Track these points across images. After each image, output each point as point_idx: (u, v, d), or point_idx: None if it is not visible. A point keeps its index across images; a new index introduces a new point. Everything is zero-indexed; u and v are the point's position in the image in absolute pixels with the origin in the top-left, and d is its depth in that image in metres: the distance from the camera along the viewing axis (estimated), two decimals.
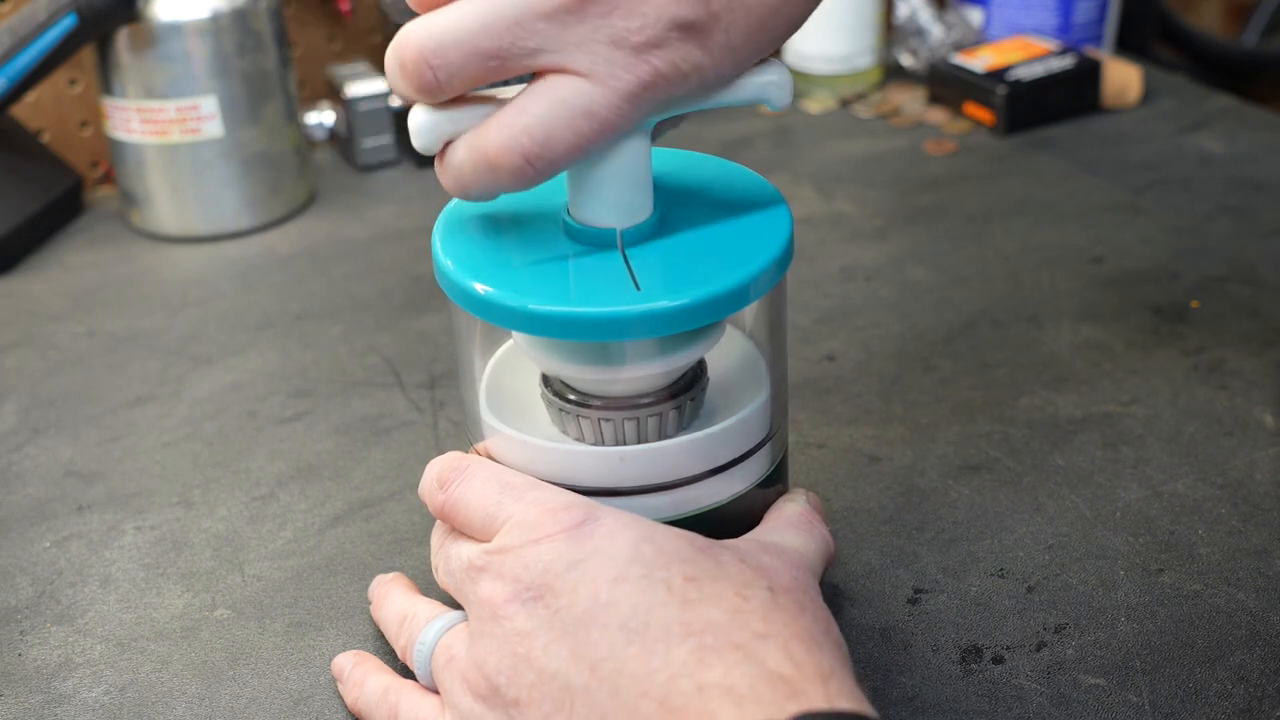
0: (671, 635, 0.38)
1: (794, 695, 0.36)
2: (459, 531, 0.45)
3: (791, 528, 0.46)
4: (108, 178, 0.91)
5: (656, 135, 0.44)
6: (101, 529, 0.57)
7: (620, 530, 0.41)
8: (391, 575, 0.50)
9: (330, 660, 0.49)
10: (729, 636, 0.38)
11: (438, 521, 0.47)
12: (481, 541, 0.43)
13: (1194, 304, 0.69)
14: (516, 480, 0.44)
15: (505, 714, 0.40)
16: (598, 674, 0.38)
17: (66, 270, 0.81)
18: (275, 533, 0.56)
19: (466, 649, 0.42)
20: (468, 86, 0.40)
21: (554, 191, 0.46)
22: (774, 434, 0.48)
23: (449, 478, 0.45)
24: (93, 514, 0.58)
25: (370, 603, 0.50)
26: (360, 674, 0.46)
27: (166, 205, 0.83)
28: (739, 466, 0.47)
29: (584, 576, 0.40)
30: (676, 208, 0.45)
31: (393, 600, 0.48)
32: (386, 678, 0.46)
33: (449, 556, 0.44)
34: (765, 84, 0.43)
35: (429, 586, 0.48)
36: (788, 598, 0.40)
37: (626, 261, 0.43)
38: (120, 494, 0.59)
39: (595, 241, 0.44)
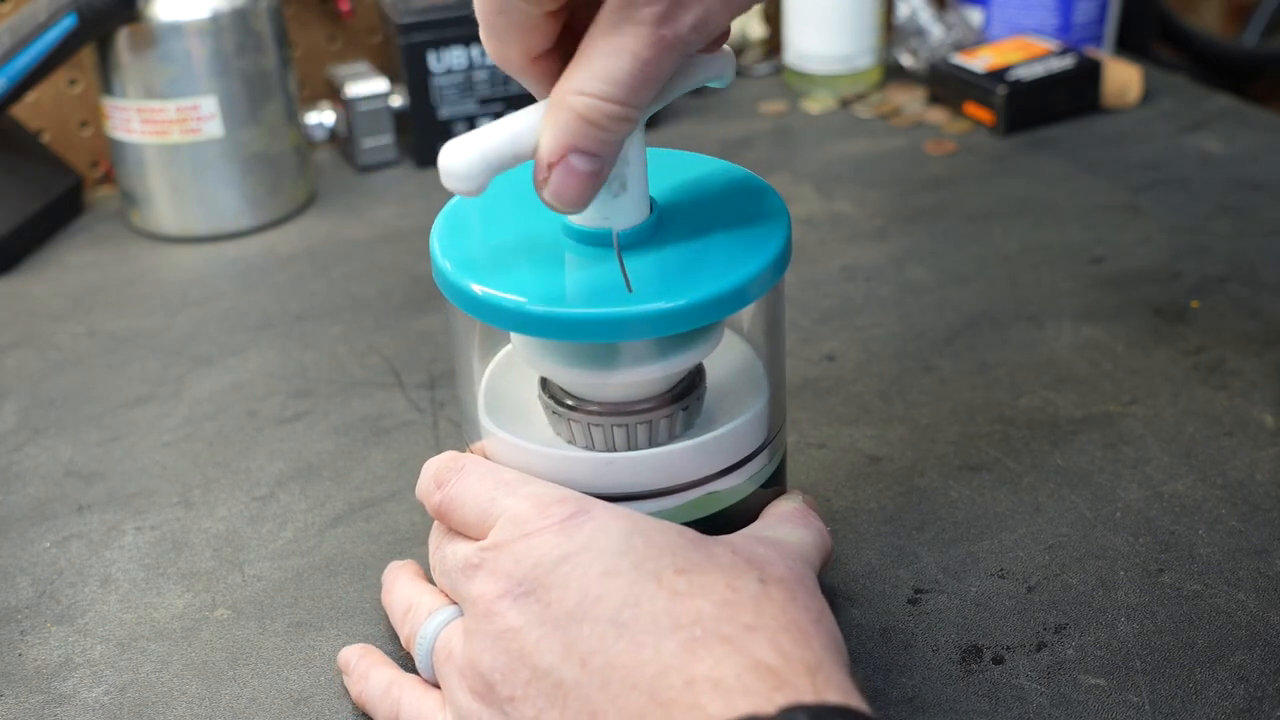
0: (661, 628, 0.38)
1: (781, 687, 0.36)
2: (455, 531, 0.45)
3: (787, 522, 0.46)
4: (108, 178, 0.91)
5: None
6: (101, 529, 0.57)
7: (610, 523, 0.41)
8: (404, 562, 0.50)
9: (330, 660, 0.49)
10: (718, 629, 0.38)
11: (435, 522, 0.47)
12: (477, 539, 0.43)
13: (1194, 304, 0.69)
14: (510, 476, 0.44)
15: (501, 711, 0.40)
16: (588, 668, 0.38)
17: (66, 270, 0.81)
18: (275, 533, 0.56)
19: (463, 646, 0.42)
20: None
21: None
22: (772, 437, 0.48)
23: (445, 477, 0.45)
24: (93, 514, 0.58)
25: (382, 587, 0.50)
26: (365, 667, 0.47)
27: (166, 205, 0.83)
28: (737, 470, 0.46)
29: (574, 570, 0.40)
30: (674, 209, 0.45)
31: (400, 587, 0.48)
32: (390, 672, 0.46)
33: (444, 556, 0.44)
34: (714, 62, 0.43)
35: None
36: (778, 589, 0.40)
37: (621, 263, 0.43)
38: (120, 494, 0.59)
39: (593, 243, 0.44)
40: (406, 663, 0.47)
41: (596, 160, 0.40)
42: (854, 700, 0.37)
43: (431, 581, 0.48)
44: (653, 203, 0.45)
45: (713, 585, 0.39)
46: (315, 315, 0.73)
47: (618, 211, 0.43)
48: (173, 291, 0.77)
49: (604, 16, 0.38)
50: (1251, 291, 0.69)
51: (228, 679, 0.48)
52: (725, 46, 0.44)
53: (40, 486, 0.60)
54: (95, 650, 0.50)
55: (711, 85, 0.44)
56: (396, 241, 0.81)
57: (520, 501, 0.43)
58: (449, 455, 0.46)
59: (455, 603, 0.45)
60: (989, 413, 0.61)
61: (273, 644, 0.50)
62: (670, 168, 0.48)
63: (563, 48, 0.41)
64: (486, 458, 0.47)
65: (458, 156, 0.40)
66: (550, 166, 0.40)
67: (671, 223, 0.45)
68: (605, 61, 0.38)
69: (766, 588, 0.40)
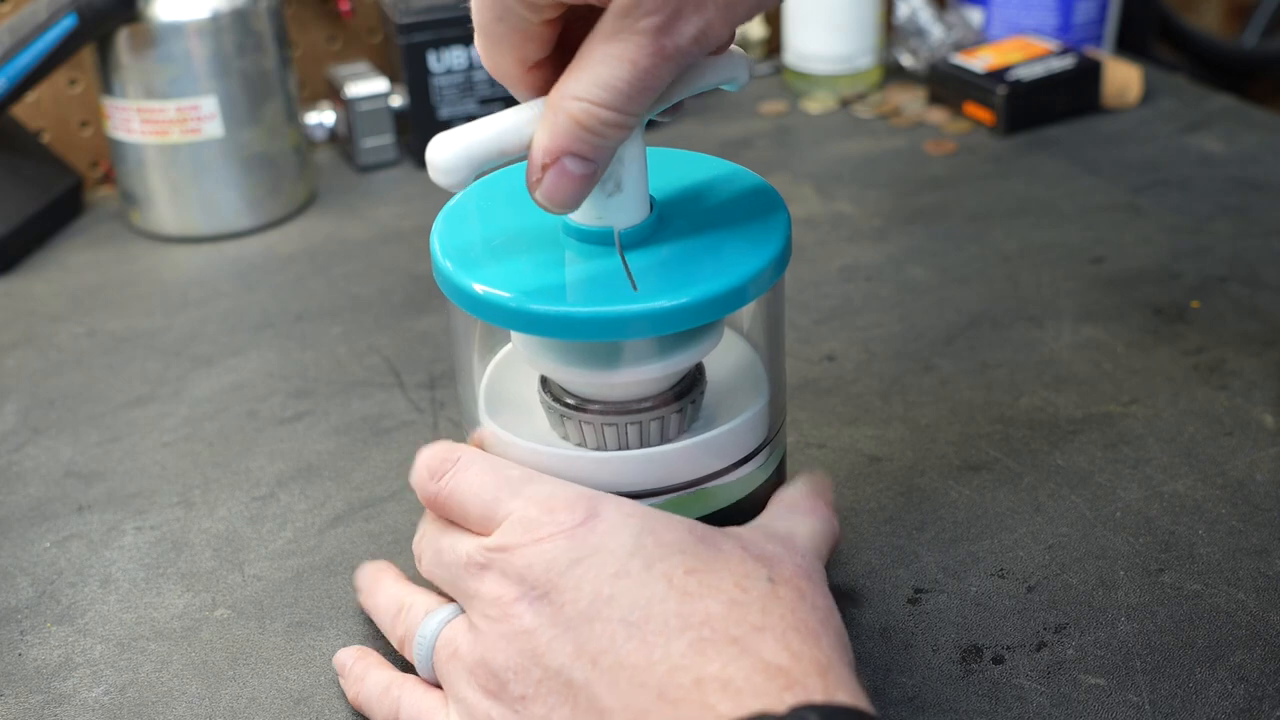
0: (670, 629, 0.38)
1: (791, 686, 0.36)
2: (452, 523, 0.45)
3: (795, 512, 0.46)
4: (108, 178, 0.91)
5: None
6: (101, 529, 0.57)
7: (621, 524, 0.41)
8: (381, 563, 0.50)
9: (330, 660, 0.49)
10: (727, 629, 0.38)
11: (426, 511, 0.46)
12: (478, 534, 0.43)
13: (1194, 304, 0.69)
14: (514, 473, 0.44)
15: (512, 709, 0.40)
16: (599, 668, 0.38)
17: (66, 270, 0.81)
18: (275, 533, 0.56)
19: (470, 644, 0.42)
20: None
21: None
22: (772, 436, 0.48)
23: (441, 469, 0.45)
24: (93, 514, 0.58)
25: (358, 590, 0.50)
26: (362, 669, 0.46)
27: (166, 205, 0.83)
28: (737, 469, 0.46)
29: (586, 573, 0.40)
30: (675, 208, 0.45)
31: (385, 589, 0.48)
32: (388, 673, 0.46)
33: (441, 550, 0.44)
34: (728, 66, 0.43)
35: (420, 578, 0.48)
36: (787, 588, 0.40)
37: (624, 262, 0.43)
38: (120, 494, 0.59)
39: (593, 242, 0.44)
40: (400, 663, 0.47)
41: (590, 164, 0.40)
42: (862, 701, 0.37)
43: (414, 582, 0.48)
44: (653, 202, 0.45)
45: (722, 585, 0.40)
46: (315, 315, 0.73)
47: (618, 210, 0.43)
48: (173, 291, 0.78)
49: (605, 23, 0.38)
50: (1251, 291, 0.69)
51: (228, 679, 0.48)
52: (737, 48, 0.44)
53: (40, 486, 0.60)
54: (95, 650, 0.50)
55: (725, 88, 0.44)
56: (396, 241, 0.81)
57: (528, 505, 0.42)
58: (444, 446, 0.46)
59: (448, 597, 0.45)
60: (989, 413, 0.61)
61: (273, 644, 0.50)
62: (670, 167, 0.48)
63: (557, 58, 0.41)
64: (484, 448, 0.47)
65: (442, 151, 0.41)
66: (544, 168, 0.40)
67: (672, 222, 0.45)
68: (604, 68, 0.38)
69: (775, 587, 0.40)
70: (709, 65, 0.43)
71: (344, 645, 0.49)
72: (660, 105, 0.43)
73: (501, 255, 0.44)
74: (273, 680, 0.48)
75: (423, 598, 0.46)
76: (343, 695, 0.47)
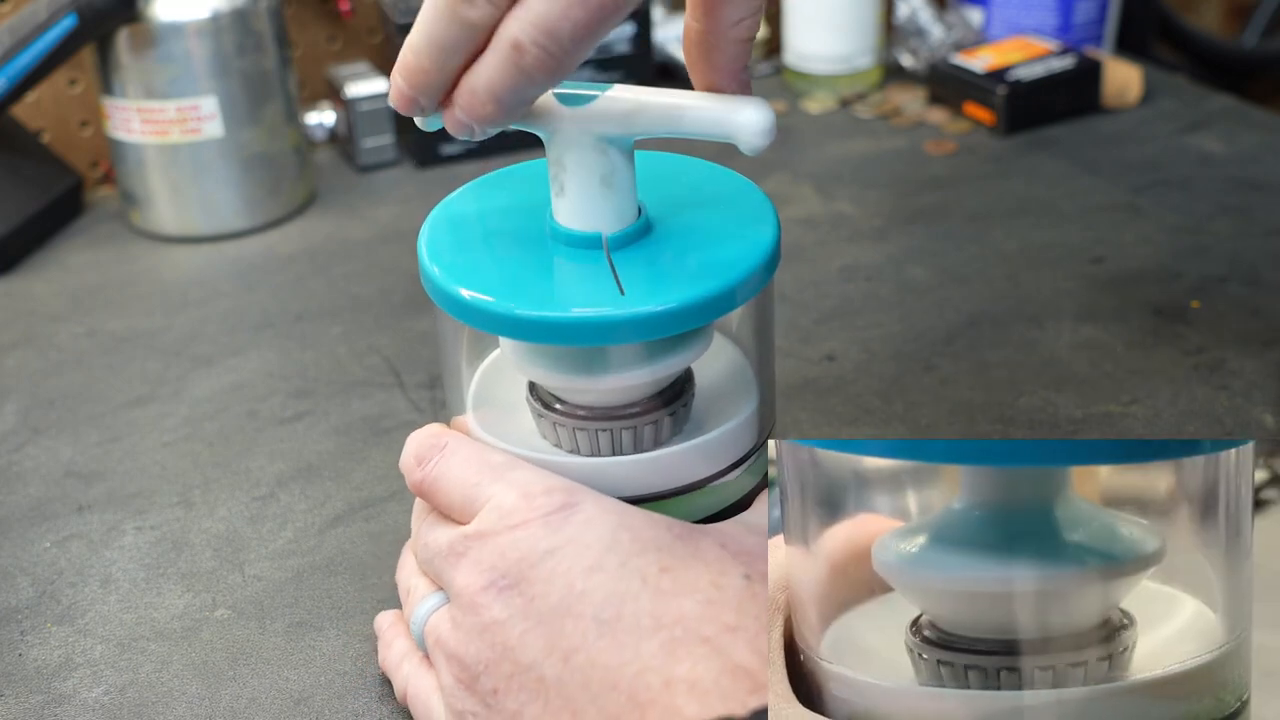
0: (643, 628, 0.38)
1: (756, 689, 0.36)
2: (439, 512, 0.45)
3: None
4: (108, 178, 0.91)
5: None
6: (102, 529, 0.57)
7: (598, 517, 0.41)
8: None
9: (331, 660, 0.49)
10: (699, 629, 0.38)
11: (417, 502, 0.46)
12: (461, 523, 0.43)
13: (1194, 304, 0.69)
14: (497, 459, 0.44)
15: (484, 702, 0.40)
16: (570, 665, 0.38)
17: (66, 270, 0.81)
18: (275, 533, 0.56)
19: (450, 634, 0.42)
20: None
21: (540, 196, 0.45)
22: (762, 442, 0.48)
23: (427, 455, 0.45)
24: (93, 514, 0.58)
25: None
26: (390, 636, 0.47)
27: (166, 205, 0.83)
28: (727, 475, 0.46)
29: (559, 565, 0.40)
30: (663, 212, 0.45)
31: (404, 568, 0.48)
32: (408, 644, 0.46)
33: (427, 543, 0.44)
34: (737, 122, 0.42)
35: None
36: (764, 585, 0.40)
37: (612, 266, 0.42)
38: (120, 494, 0.59)
39: (581, 246, 0.43)
40: None
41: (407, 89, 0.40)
42: None
43: None
44: (640, 206, 0.44)
45: (697, 583, 0.39)
46: (315, 315, 0.73)
47: (604, 214, 0.43)
48: (173, 291, 0.78)
49: None
50: (1251, 291, 0.70)
51: (228, 679, 0.48)
52: (755, 101, 0.42)
53: (40, 486, 0.60)
54: (95, 650, 0.50)
55: (743, 150, 0.43)
56: (396, 241, 0.81)
57: (507, 490, 0.42)
58: (431, 431, 0.46)
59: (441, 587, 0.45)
60: (989, 413, 0.61)
61: (273, 644, 0.50)
62: (659, 170, 0.47)
63: None
64: (469, 434, 0.47)
65: None
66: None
67: (659, 226, 0.44)
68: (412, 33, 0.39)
69: (752, 584, 0.40)
70: (689, 109, 0.42)
71: (344, 645, 0.49)
72: (634, 133, 0.42)
73: (488, 260, 0.44)
74: (273, 680, 0.48)
75: (424, 582, 0.46)
76: (344, 695, 0.47)
